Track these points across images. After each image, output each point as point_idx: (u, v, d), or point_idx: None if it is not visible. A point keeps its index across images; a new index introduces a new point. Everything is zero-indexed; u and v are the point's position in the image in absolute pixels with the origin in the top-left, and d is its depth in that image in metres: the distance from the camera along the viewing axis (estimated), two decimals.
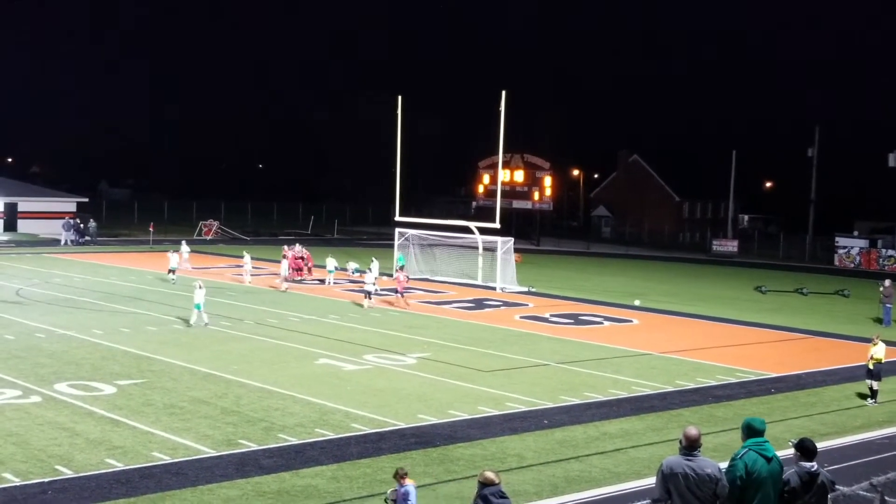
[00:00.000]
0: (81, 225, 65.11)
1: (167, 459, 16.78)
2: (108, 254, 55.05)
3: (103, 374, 23.26)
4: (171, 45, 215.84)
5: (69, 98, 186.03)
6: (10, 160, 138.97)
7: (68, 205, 72.98)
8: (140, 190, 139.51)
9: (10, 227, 68.99)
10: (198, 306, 30.75)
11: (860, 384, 24.66)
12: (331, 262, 44.01)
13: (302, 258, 44.76)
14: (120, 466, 16.30)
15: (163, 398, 21.14)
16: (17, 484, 15.25)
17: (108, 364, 24.58)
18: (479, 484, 9.19)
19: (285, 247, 45.38)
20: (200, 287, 31.04)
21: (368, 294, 36.99)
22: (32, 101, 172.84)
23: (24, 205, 70.89)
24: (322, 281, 43.66)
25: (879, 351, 23.54)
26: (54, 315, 32.23)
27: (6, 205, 69.76)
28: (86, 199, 77.88)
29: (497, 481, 9.14)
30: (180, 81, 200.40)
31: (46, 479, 15.50)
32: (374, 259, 43.87)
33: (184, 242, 49.08)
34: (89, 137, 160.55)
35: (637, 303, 41.14)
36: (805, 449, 10.45)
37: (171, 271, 42.12)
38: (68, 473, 15.86)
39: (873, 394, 23.57)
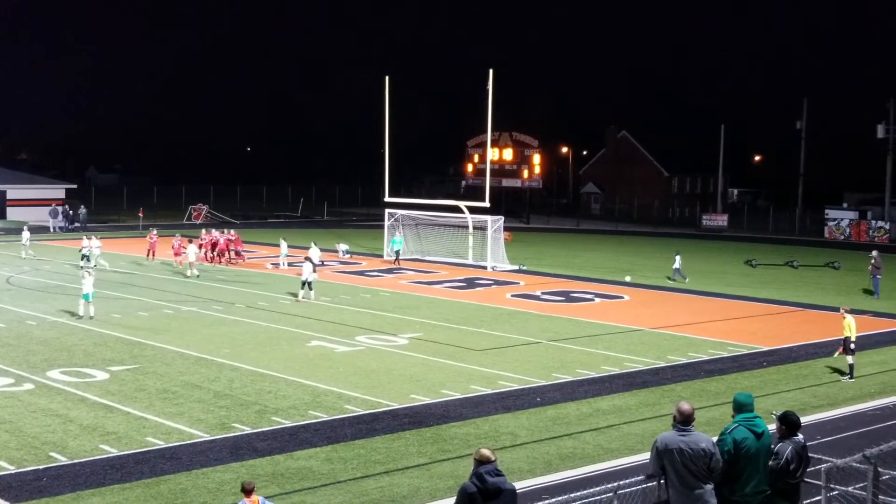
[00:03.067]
0: (70, 211, 64.87)
1: (161, 444, 16.79)
2: (98, 240, 54.79)
3: (95, 361, 23.24)
4: (155, 26, 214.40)
5: (55, 84, 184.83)
6: None
7: (57, 191, 72.66)
8: (128, 175, 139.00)
9: (0, 214, 68.72)
10: (86, 296, 28.92)
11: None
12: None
13: (231, 240, 44.55)
14: (114, 452, 16.31)
15: (155, 383, 21.13)
16: (12, 472, 15.25)
17: (100, 350, 24.54)
18: (474, 461, 9.18)
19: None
20: (90, 275, 29.44)
21: (306, 284, 33.56)
22: (18, 88, 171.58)
23: (13, 192, 70.56)
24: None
25: (851, 324, 23.15)
26: (45, 302, 32.15)
27: None
28: (74, 186, 77.56)
29: (493, 458, 9.14)
30: (165, 64, 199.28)
31: (41, 467, 15.50)
32: (282, 239, 44.40)
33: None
34: (76, 123, 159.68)
35: (628, 279, 41.23)
36: (790, 423, 10.59)
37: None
38: (62, 460, 15.86)
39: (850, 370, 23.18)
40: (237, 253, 44.86)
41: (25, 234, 46.99)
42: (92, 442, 16.84)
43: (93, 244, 41.69)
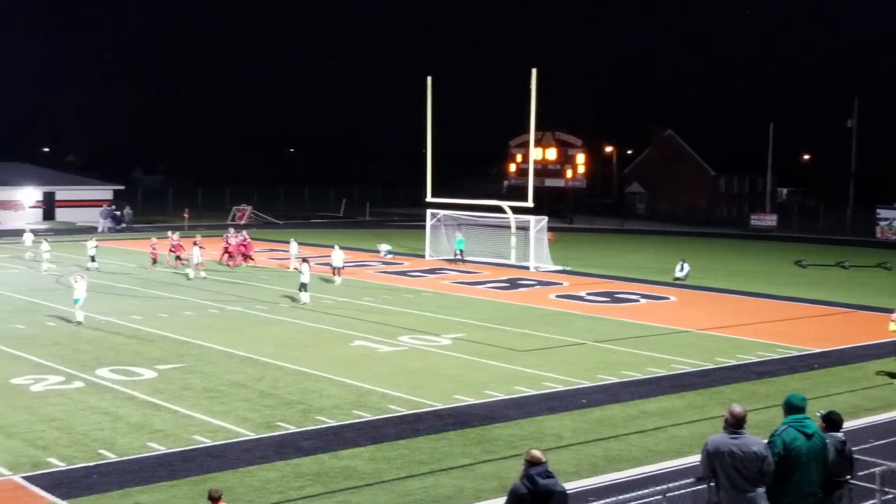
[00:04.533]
0: (118, 212, 65.70)
1: (207, 442, 16.89)
2: (145, 240, 55.38)
3: (143, 359, 23.46)
4: (199, 29, 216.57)
5: (102, 87, 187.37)
6: (46, 150, 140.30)
7: (104, 192, 73.68)
8: (173, 176, 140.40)
9: (49, 215, 69.73)
10: (76, 301, 28.11)
11: None
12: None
13: (244, 244, 44.39)
14: (161, 450, 16.43)
15: (202, 382, 21.28)
16: (63, 468, 15.43)
17: (147, 349, 24.78)
18: (525, 463, 9.11)
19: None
20: (81, 279, 28.67)
21: (304, 286, 32.83)
22: (66, 91, 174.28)
23: (62, 193, 71.62)
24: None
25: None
26: (94, 301, 32.47)
27: (44, 194, 70.52)
28: (121, 187, 78.54)
29: (543, 460, 9.07)
30: (210, 67, 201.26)
31: (91, 464, 15.65)
32: (292, 240, 44.19)
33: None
34: (122, 125, 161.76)
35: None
36: (831, 420, 10.76)
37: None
38: (111, 457, 16.00)
39: None
40: (245, 256, 44.12)
41: (28, 237, 46.92)
42: (140, 439, 16.99)
43: (89, 245, 41.79)
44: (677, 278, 41.03)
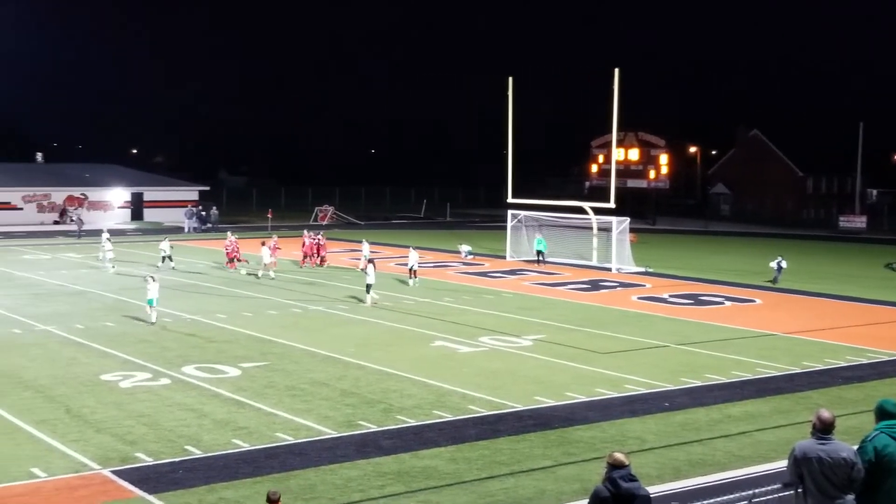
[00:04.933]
0: (203, 212, 67.04)
1: (290, 440, 17.09)
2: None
3: (227, 357, 23.87)
4: (286, 37, 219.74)
5: (189, 89, 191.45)
6: (134, 151, 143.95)
7: (190, 193, 75.27)
8: (257, 177, 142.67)
9: (137, 215, 71.50)
10: (150, 301, 28.40)
11: None
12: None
13: (317, 244, 44.47)
14: (246, 447, 16.68)
15: (284, 380, 21.56)
16: (150, 463, 15.77)
17: (231, 347, 25.20)
18: (607, 465, 9.00)
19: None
20: (154, 280, 28.99)
21: (368, 287, 32.90)
22: (153, 94, 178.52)
23: (150, 194, 73.41)
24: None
25: None
26: (180, 300, 33.22)
27: (133, 194, 72.36)
28: (207, 188, 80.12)
29: (627, 463, 8.94)
30: (292, 69, 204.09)
31: (177, 459, 15.97)
32: (364, 241, 44.02)
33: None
34: (208, 127, 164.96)
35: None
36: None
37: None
38: (197, 453, 16.31)
39: None
40: (322, 258, 44.25)
41: (105, 236, 46.79)
42: (224, 436, 17.28)
43: (163, 245, 42.33)
44: (777, 273, 39.94)
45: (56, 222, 66.70)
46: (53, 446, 16.60)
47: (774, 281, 39.92)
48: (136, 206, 72.11)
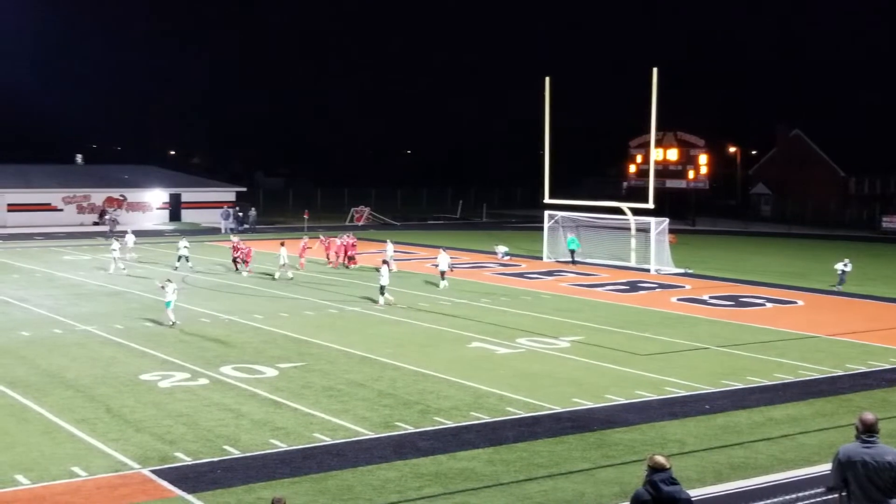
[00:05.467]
0: (240, 213, 67.45)
1: (327, 441, 17.08)
2: (266, 241, 56.76)
3: (265, 358, 23.93)
4: (324, 41, 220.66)
5: (226, 91, 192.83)
6: (172, 152, 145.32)
7: (228, 194, 75.78)
8: (293, 178, 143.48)
9: (175, 216, 72.10)
10: (168, 304, 28.23)
11: None
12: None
13: (347, 245, 44.38)
14: (283, 447, 16.69)
15: (321, 381, 21.57)
16: (189, 463, 15.82)
17: (268, 348, 25.28)
18: (647, 468, 8.88)
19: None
20: (170, 282, 28.83)
21: (382, 289, 32.67)
22: (191, 95, 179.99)
23: (187, 195, 73.97)
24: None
25: None
26: (217, 301, 33.41)
27: (171, 196, 72.96)
28: (244, 189, 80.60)
29: (667, 466, 8.83)
30: (329, 74, 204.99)
31: (215, 459, 16.02)
32: (388, 241, 43.96)
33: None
34: (245, 129, 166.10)
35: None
36: None
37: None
38: (235, 453, 16.34)
39: None
40: (350, 258, 44.03)
41: (130, 238, 47.05)
42: (262, 436, 17.30)
43: (181, 244, 42.34)
44: (842, 275, 38.53)
45: (95, 223, 67.39)
46: (94, 445, 16.71)
47: (840, 283, 38.35)
48: (175, 207, 72.71)
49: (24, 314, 30.32)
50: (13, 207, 66.87)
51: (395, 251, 44.15)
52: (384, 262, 34.53)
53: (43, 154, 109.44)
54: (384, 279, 32.57)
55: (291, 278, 38.75)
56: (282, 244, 40.41)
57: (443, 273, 37.62)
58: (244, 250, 41.24)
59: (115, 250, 41.81)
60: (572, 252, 45.81)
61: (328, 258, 44.40)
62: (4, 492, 14.44)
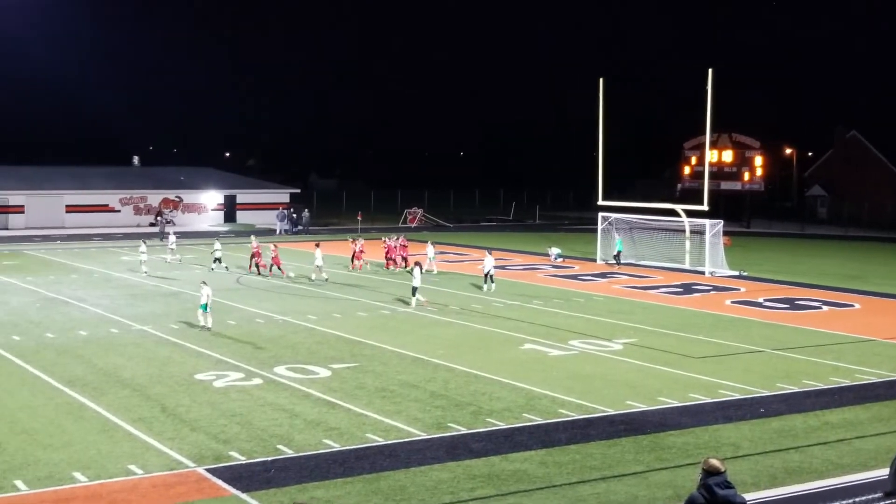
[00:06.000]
0: (294, 215, 68.05)
1: (380, 441, 17.17)
2: (320, 242, 57.25)
3: (318, 358, 24.12)
4: (378, 45, 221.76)
5: (282, 96, 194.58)
6: (227, 154, 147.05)
7: (282, 196, 76.44)
8: (347, 180, 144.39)
9: (230, 218, 72.90)
10: (203, 307, 28.12)
11: None
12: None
13: (399, 246, 44.25)
14: (336, 447, 16.81)
15: (374, 381, 21.68)
16: (243, 462, 16.00)
17: (322, 348, 25.47)
18: (702, 472, 8.82)
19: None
20: (205, 285, 28.44)
21: (414, 290, 32.61)
22: (247, 100, 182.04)
23: (242, 197, 74.79)
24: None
25: None
26: (271, 301, 33.73)
27: (226, 197, 73.79)
28: (298, 191, 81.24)
29: (722, 469, 8.76)
30: (381, 73, 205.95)
31: (269, 458, 16.18)
32: (430, 243, 43.48)
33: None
34: (299, 131, 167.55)
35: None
36: None
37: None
38: (289, 453, 16.50)
39: None
40: (401, 259, 43.77)
41: (171, 238, 47.32)
42: (315, 436, 17.44)
43: (216, 246, 42.45)
44: None
45: (152, 224, 68.42)
46: (150, 444, 16.98)
47: None
48: (229, 209, 73.52)
49: (82, 314, 30.88)
50: (71, 208, 68.11)
51: (443, 253, 44.05)
52: (416, 263, 34.56)
53: (101, 156, 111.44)
54: (416, 280, 32.60)
55: (326, 279, 38.96)
56: (317, 245, 40.69)
57: (487, 275, 37.08)
58: (274, 253, 41.06)
59: (143, 252, 41.94)
60: (618, 253, 45.54)
61: (390, 260, 43.93)
62: (62, 489, 14.74)
